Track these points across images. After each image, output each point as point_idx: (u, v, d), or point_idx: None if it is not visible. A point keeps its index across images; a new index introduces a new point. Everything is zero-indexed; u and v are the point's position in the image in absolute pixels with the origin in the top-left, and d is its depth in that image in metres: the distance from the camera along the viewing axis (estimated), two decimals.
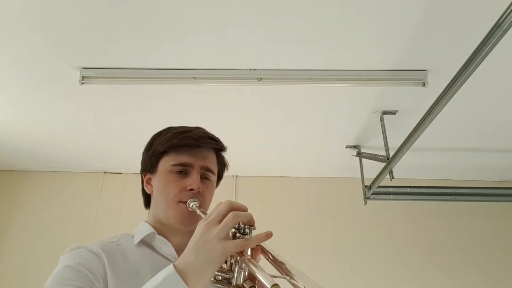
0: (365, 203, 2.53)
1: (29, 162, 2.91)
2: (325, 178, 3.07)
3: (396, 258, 2.80)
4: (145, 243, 0.90)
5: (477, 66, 1.31)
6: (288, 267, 0.64)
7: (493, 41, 1.19)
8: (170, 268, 0.65)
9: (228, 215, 0.68)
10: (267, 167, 2.96)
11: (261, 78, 1.86)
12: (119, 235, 0.92)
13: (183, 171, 0.91)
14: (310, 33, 1.65)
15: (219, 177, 1.03)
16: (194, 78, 1.87)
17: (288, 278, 0.60)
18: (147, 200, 1.00)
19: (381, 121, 2.22)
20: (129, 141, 2.51)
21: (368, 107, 2.16)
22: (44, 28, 1.63)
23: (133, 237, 0.92)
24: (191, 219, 0.88)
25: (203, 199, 0.91)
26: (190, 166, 0.91)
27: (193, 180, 0.89)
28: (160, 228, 0.91)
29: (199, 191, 0.89)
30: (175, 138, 0.92)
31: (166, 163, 0.92)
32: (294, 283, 0.57)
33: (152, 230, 0.90)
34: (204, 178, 0.92)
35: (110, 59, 1.82)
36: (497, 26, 1.16)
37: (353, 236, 2.88)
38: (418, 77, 1.85)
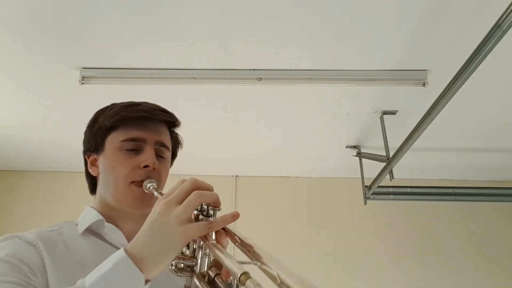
0: (365, 203, 2.53)
1: (29, 162, 2.91)
2: (325, 178, 3.07)
3: (396, 258, 2.80)
4: (92, 231, 0.80)
5: (477, 66, 1.31)
6: (258, 252, 0.55)
7: (493, 41, 1.20)
8: (121, 252, 0.56)
9: (191, 195, 0.59)
10: (267, 167, 2.96)
11: (261, 78, 1.86)
12: (61, 223, 0.82)
13: (134, 147, 0.81)
14: (310, 33, 1.65)
15: (173, 155, 0.92)
16: (194, 78, 1.87)
17: (258, 264, 0.52)
18: (92, 184, 0.90)
19: (381, 121, 2.22)
20: None
21: (368, 107, 2.16)
22: (44, 28, 1.63)
23: (77, 225, 0.82)
24: (146, 201, 0.79)
25: (159, 177, 0.81)
26: (143, 141, 0.81)
27: (147, 156, 0.79)
28: (109, 214, 0.81)
29: (154, 168, 0.80)
30: (123, 111, 0.82)
31: (115, 139, 0.82)
32: (265, 270, 0.50)
33: (100, 217, 0.80)
34: (158, 155, 0.82)
35: (110, 59, 1.82)
36: (497, 26, 1.16)
37: (353, 236, 2.87)
38: (418, 77, 1.85)
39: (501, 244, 2.86)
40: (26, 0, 1.49)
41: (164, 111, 0.87)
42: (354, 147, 2.60)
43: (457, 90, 1.47)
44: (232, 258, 0.54)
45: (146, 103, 0.86)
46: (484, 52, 1.25)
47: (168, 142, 0.87)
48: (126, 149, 0.81)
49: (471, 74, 1.36)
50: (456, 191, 2.57)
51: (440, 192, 2.59)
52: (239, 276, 0.48)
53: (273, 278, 0.47)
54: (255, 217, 2.93)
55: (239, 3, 1.50)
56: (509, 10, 1.12)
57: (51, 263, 0.69)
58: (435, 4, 1.47)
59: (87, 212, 0.84)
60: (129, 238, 0.78)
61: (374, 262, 2.79)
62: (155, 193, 0.75)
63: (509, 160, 2.72)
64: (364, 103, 2.12)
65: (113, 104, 0.88)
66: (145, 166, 0.79)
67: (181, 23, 1.60)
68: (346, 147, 2.61)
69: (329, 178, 3.06)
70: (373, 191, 2.42)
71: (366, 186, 2.50)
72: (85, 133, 0.90)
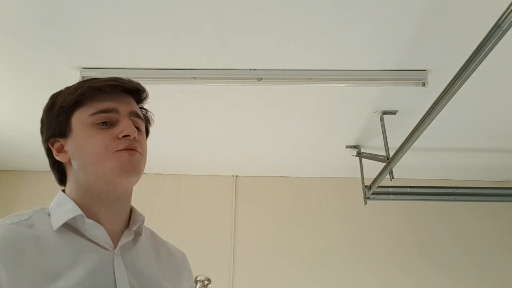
0: (365, 203, 2.53)
1: (29, 162, 2.91)
2: (325, 178, 3.07)
3: (396, 258, 2.80)
4: (69, 226, 0.70)
5: (477, 66, 1.31)
6: None
7: (493, 41, 1.19)
8: None
9: None
10: (267, 167, 2.96)
11: (261, 78, 1.86)
12: (30, 212, 0.72)
13: (107, 120, 0.72)
14: (310, 33, 1.64)
15: (146, 133, 0.84)
16: (194, 78, 1.87)
17: None
18: (60, 174, 0.79)
19: (381, 121, 2.22)
20: None
21: (368, 107, 2.16)
22: (44, 28, 1.63)
23: (49, 214, 0.72)
24: (135, 166, 0.72)
25: (141, 147, 0.74)
26: (115, 111, 0.73)
27: (124, 126, 0.72)
28: (88, 204, 0.72)
29: (135, 138, 0.72)
30: (86, 84, 0.74)
31: (82, 115, 0.73)
32: None
33: (79, 211, 0.69)
34: (135, 127, 0.74)
35: (110, 59, 1.82)
36: (497, 26, 1.16)
37: (353, 236, 2.88)
38: (418, 77, 1.85)
39: (501, 244, 2.86)
40: (26, 0, 1.49)
41: (130, 80, 0.78)
42: (354, 147, 2.60)
43: (457, 90, 1.47)
44: None
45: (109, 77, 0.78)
46: (484, 52, 1.25)
47: (141, 113, 0.80)
48: (98, 124, 0.72)
49: (471, 74, 1.36)
50: (456, 191, 2.56)
51: (440, 192, 2.59)
52: None
53: None
54: (255, 217, 2.93)
55: (239, 3, 1.50)
56: (509, 10, 1.11)
57: (11, 277, 0.58)
58: (435, 4, 1.47)
59: (62, 200, 0.73)
60: (110, 232, 0.72)
61: (374, 262, 2.79)
62: None
63: (509, 160, 2.72)
64: (364, 103, 2.12)
65: (68, 86, 0.80)
66: (125, 136, 0.71)
67: (181, 23, 1.60)
68: (346, 147, 2.61)
69: (329, 178, 3.06)
70: (373, 191, 2.42)
71: (366, 186, 2.50)
72: (42, 119, 0.82)
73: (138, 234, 0.79)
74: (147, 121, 0.85)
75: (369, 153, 2.47)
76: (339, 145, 2.59)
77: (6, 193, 2.98)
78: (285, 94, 2.06)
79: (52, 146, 0.78)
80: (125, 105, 0.75)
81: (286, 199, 3.00)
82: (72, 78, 1.90)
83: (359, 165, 2.59)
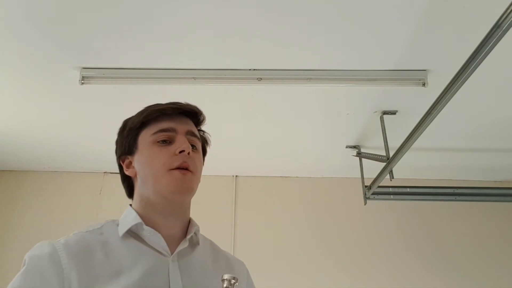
0: (365, 203, 2.53)
1: (29, 162, 2.91)
2: (325, 178, 3.07)
3: (396, 258, 2.80)
4: (133, 233, 0.81)
5: (477, 66, 1.31)
6: None
7: (493, 41, 1.19)
8: None
9: None
10: (267, 167, 2.96)
11: (261, 78, 1.86)
12: (102, 222, 0.84)
13: (167, 138, 0.83)
14: (310, 33, 1.64)
15: (204, 152, 0.95)
16: (194, 78, 1.87)
17: None
18: (129, 188, 0.91)
19: (381, 121, 2.22)
20: None
21: (368, 107, 2.16)
22: (44, 28, 1.63)
23: (118, 225, 0.83)
24: (186, 183, 0.81)
25: (194, 164, 0.83)
26: (173, 131, 0.84)
27: (180, 143, 0.82)
28: (149, 215, 0.82)
29: (189, 153, 0.82)
30: (151, 108, 0.86)
31: (146, 135, 0.85)
32: None
33: (139, 219, 0.81)
34: (191, 145, 0.84)
35: (110, 59, 1.82)
36: (497, 26, 1.16)
37: (353, 236, 2.88)
38: (418, 77, 1.85)
39: (501, 244, 2.86)
40: (26, 0, 1.49)
41: (189, 104, 0.89)
42: (354, 147, 2.60)
43: (457, 90, 1.47)
44: None
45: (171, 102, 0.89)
46: (484, 52, 1.25)
47: (197, 133, 0.90)
48: (159, 142, 0.83)
49: (471, 74, 1.36)
50: (456, 191, 2.57)
51: (440, 192, 2.59)
52: None
53: None
54: (255, 217, 2.93)
55: (240, 3, 1.50)
56: (509, 10, 1.11)
57: (82, 275, 0.70)
58: (435, 4, 1.47)
59: (128, 212, 0.85)
60: (168, 239, 0.81)
61: (374, 262, 2.79)
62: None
63: (509, 160, 2.72)
64: (364, 103, 2.12)
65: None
66: (181, 152, 0.81)
67: (181, 23, 1.60)
68: (346, 147, 2.61)
69: (329, 178, 3.06)
70: (373, 191, 2.42)
71: (366, 186, 2.50)
72: (117, 141, 0.94)
73: (196, 243, 0.88)
74: (204, 141, 0.95)
75: (369, 153, 2.47)
76: (339, 145, 2.59)
77: (6, 193, 2.98)
78: (285, 94, 2.06)
79: (123, 163, 0.90)
80: (183, 125, 0.86)
81: (286, 199, 3.00)
82: (72, 78, 1.91)
83: (359, 165, 2.59)
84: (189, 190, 0.83)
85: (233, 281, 0.72)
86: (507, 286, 2.72)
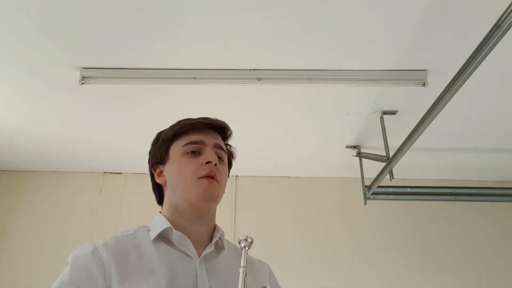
0: (365, 203, 2.53)
1: (29, 162, 2.91)
2: (325, 178, 3.07)
3: (396, 258, 2.80)
4: (163, 237, 0.87)
5: (477, 66, 1.31)
6: None
7: (493, 41, 1.19)
8: None
9: None
10: (267, 167, 2.96)
11: (261, 78, 1.86)
12: (136, 228, 0.91)
13: (196, 150, 0.91)
14: (310, 33, 1.65)
15: (229, 165, 1.02)
16: (194, 78, 1.87)
17: None
18: (159, 195, 0.98)
19: (381, 121, 2.22)
20: (129, 141, 2.51)
21: (368, 107, 2.16)
22: (44, 28, 1.63)
23: (149, 230, 0.89)
24: (213, 192, 0.88)
25: (220, 175, 0.90)
26: (202, 143, 0.91)
27: (208, 155, 0.89)
28: (177, 221, 0.89)
29: (216, 164, 0.89)
30: (183, 122, 0.94)
31: (178, 146, 0.92)
32: None
33: (169, 224, 0.87)
34: (218, 157, 0.92)
35: (110, 59, 1.82)
36: (497, 26, 1.16)
37: (353, 236, 2.87)
38: (418, 77, 1.85)
39: (501, 244, 2.86)
40: (26, 0, 1.49)
41: (219, 121, 0.97)
42: (354, 147, 2.60)
43: (457, 90, 1.47)
44: None
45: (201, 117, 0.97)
46: (484, 52, 1.25)
47: (224, 146, 0.97)
48: (188, 153, 0.90)
49: (471, 74, 1.36)
50: (456, 191, 2.57)
51: (440, 192, 2.59)
52: None
53: None
54: (255, 217, 2.93)
55: (239, 3, 1.50)
56: (509, 10, 1.11)
57: (119, 273, 0.77)
58: (435, 4, 1.48)
59: (158, 218, 0.91)
60: (195, 243, 0.86)
61: (374, 262, 2.79)
62: (246, 250, 0.80)
63: (509, 160, 2.72)
64: (364, 103, 2.12)
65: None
66: (208, 162, 0.88)
67: (181, 23, 1.60)
68: (346, 147, 2.61)
69: (329, 178, 3.06)
70: (373, 191, 2.42)
71: (366, 186, 2.50)
72: (150, 151, 0.99)
73: (221, 247, 0.93)
74: (230, 155, 1.02)
75: (369, 153, 2.47)
76: (339, 145, 2.59)
77: (6, 193, 2.98)
78: (285, 94, 2.06)
79: (155, 171, 0.96)
80: (211, 139, 0.93)
81: (286, 199, 3.00)
82: (72, 78, 1.91)
83: (359, 165, 2.59)
84: (214, 197, 0.89)
85: (249, 240, 0.78)
86: (508, 286, 2.72)
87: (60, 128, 2.42)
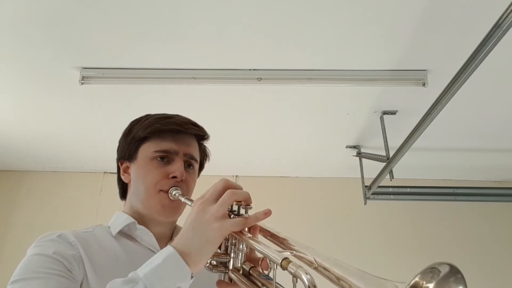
0: (365, 203, 2.53)
1: (29, 162, 2.91)
2: (325, 178, 3.07)
3: (396, 258, 2.80)
4: (124, 234, 0.85)
5: (477, 66, 1.31)
6: (292, 242, 0.60)
7: (493, 41, 1.19)
8: (169, 248, 0.61)
9: (225, 193, 0.66)
10: (267, 167, 2.96)
11: (261, 78, 1.86)
12: (94, 226, 0.87)
13: (165, 157, 0.86)
14: (310, 33, 1.64)
15: (201, 167, 0.98)
16: (194, 78, 1.87)
17: (294, 252, 0.56)
18: (123, 190, 0.95)
19: (381, 121, 2.22)
20: None
21: (368, 107, 2.16)
22: (44, 28, 1.63)
23: (109, 227, 0.87)
24: (173, 209, 0.85)
25: (186, 188, 0.86)
26: (174, 153, 0.86)
27: (176, 167, 0.84)
28: (139, 219, 0.86)
29: (182, 180, 0.85)
30: (157, 123, 0.87)
31: (148, 149, 0.87)
32: (302, 256, 0.54)
33: (132, 219, 0.85)
34: (187, 165, 0.88)
35: (110, 59, 1.82)
36: (497, 26, 1.16)
37: (353, 236, 2.87)
38: (418, 77, 1.85)
39: (501, 244, 2.86)
40: (26, 0, 1.49)
41: (195, 125, 0.92)
42: (354, 147, 2.60)
43: (457, 90, 1.47)
44: (271, 248, 0.56)
45: (178, 116, 0.92)
46: (484, 52, 1.25)
47: (197, 154, 0.92)
48: (157, 158, 0.86)
49: (471, 74, 1.36)
50: (456, 191, 2.57)
51: (440, 192, 2.59)
52: (280, 262, 0.51)
53: (309, 263, 0.52)
54: None
55: (239, 3, 1.50)
56: (509, 10, 1.11)
57: (87, 259, 0.74)
58: (435, 4, 1.47)
59: (118, 216, 0.89)
60: (158, 240, 0.84)
61: (374, 262, 2.79)
62: (182, 199, 0.81)
63: (509, 160, 2.72)
64: (364, 103, 2.12)
65: (147, 115, 0.93)
66: (174, 177, 0.84)
67: (181, 23, 1.60)
68: (346, 147, 2.61)
69: (329, 178, 3.06)
70: (373, 191, 2.42)
71: (366, 186, 2.50)
72: (120, 141, 0.96)
73: None
74: (203, 157, 0.99)
75: (369, 153, 2.47)
76: (339, 145, 2.59)
77: (6, 193, 2.98)
78: (285, 94, 2.06)
79: (121, 165, 0.93)
80: (184, 147, 0.88)
81: (286, 199, 3.00)
82: (72, 78, 1.91)
83: (359, 165, 2.59)
84: (174, 213, 0.86)
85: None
86: (508, 286, 2.72)
87: (60, 128, 2.42)
